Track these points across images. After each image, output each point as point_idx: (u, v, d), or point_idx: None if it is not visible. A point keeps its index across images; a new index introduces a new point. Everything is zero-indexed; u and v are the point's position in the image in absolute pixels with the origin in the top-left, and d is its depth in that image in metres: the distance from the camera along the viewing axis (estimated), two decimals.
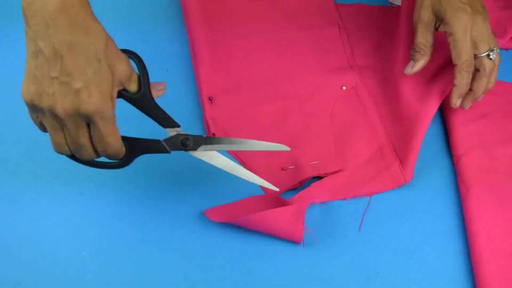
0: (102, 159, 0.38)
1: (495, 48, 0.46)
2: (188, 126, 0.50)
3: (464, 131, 0.50)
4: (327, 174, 0.47)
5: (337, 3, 0.61)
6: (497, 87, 0.57)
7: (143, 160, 0.47)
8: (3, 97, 0.51)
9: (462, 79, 0.46)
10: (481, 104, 0.54)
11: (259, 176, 0.46)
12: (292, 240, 0.42)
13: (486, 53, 0.46)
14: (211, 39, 0.55)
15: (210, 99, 0.51)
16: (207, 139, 0.40)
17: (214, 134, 0.49)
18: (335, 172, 0.48)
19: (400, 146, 0.49)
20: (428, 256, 0.43)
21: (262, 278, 0.41)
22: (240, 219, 0.42)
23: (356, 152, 0.49)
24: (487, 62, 0.46)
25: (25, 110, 0.50)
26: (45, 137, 0.48)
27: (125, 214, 0.44)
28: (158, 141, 0.40)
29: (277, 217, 0.42)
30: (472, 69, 0.46)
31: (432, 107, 0.49)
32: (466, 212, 0.44)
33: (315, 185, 0.46)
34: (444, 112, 0.54)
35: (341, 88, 0.54)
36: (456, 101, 0.47)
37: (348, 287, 0.41)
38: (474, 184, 0.46)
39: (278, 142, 0.48)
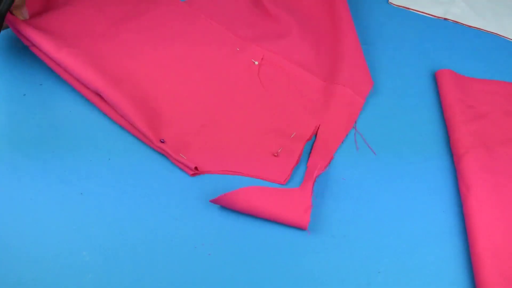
0: None
1: None
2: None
3: (464, 131, 0.50)
4: (310, 136, 0.50)
5: None
6: (497, 87, 0.58)
7: (143, 161, 0.48)
8: (3, 97, 0.51)
9: None
10: (481, 104, 0.54)
11: (260, 170, 0.47)
12: (298, 225, 0.43)
13: None
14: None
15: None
16: None
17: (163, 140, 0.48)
18: (317, 128, 0.51)
19: (343, 76, 0.55)
20: (428, 256, 0.43)
21: (262, 277, 0.41)
22: (245, 203, 0.43)
23: (311, 104, 0.54)
24: None
25: (25, 110, 0.50)
26: (46, 137, 0.49)
27: (125, 214, 0.44)
28: None
29: (283, 200, 0.43)
30: None
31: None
32: (466, 212, 0.45)
33: (310, 163, 0.48)
34: (444, 112, 0.54)
35: (254, 63, 0.56)
36: None
37: (348, 287, 0.41)
38: (475, 184, 0.46)
39: (240, 135, 0.50)
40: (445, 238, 0.44)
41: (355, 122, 0.53)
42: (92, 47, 0.53)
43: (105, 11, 0.58)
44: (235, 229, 0.43)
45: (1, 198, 0.44)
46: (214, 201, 0.44)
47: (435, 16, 0.69)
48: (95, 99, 0.50)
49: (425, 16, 0.69)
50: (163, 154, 0.48)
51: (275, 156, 0.48)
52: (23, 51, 0.54)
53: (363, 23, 0.66)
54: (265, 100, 0.53)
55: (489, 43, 0.66)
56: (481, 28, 0.68)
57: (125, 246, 0.42)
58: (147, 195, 0.45)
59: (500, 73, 0.60)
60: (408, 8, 0.70)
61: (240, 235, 0.43)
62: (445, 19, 0.69)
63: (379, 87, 0.58)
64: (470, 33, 0.67)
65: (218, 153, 0.49)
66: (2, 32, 0.55)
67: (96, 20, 0.57)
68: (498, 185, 0.46)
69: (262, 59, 0.57)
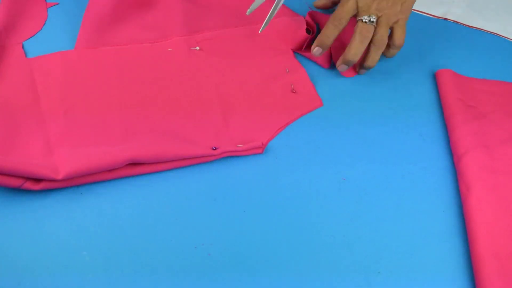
0: None
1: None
2: None
3: (464, 131, 0.50)
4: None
5: None
6: (497, 87, 0.58)
7: None
8: None
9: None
10: (481, 104, 0.54)
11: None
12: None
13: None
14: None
15: None
16: None
17: None
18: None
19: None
20: (428, 256, 0.43)
21: (262, 278, 0.41)
22: None
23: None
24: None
25: None
26: None
27: (125, 214, 0.44)
28: None
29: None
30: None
31: None
32: (466, 212, 0.45)
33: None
34: (444, 112, 0.54)
35: (195, 48, 0.58)
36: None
37: (348, 287, 0.41)
38: (475, 184, 0.46)
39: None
40: (445, 238, 0.44)
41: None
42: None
43: None
44: (235, 229, 0.43)
45: (1, 198, 0.44)
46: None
47: (435, 16, 0.69)
48: (120, 172, 0.46)
49: (425, 16, 0.69)
50: (225, 156, 0.48)
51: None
52: None
53: None
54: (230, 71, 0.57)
55: (489, 43, 0.66)
56: (481, 28, 0.68)
57: (125, 246, 0.42)
58: (147, 194, 0.45)
59: (500, 73, 0.60)
60: None
61: (240, 235, 0.43)
62: (445, 19, 0.69)
63: (379, 87, 0.58)
64: (470, 33, 0.67)
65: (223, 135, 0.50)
66: None
67: None
68: (498, 185, 0.46)
69: (197, 42, 0.59)
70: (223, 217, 0.44)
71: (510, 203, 0.45)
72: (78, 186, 0.45)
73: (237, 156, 0.49)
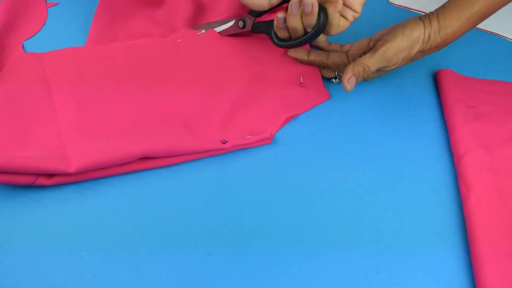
0: None
1: None
2: None
3: (464, 131, 0.50)
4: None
5: None
6: (497, 87, 0.58)
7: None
8: None
9: None
10: (481, 104, 0.54)
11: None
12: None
13: None
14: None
15: None
16: None
17: None
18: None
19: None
20: (428, 256, 0.43)
21: (262, 278, 0.41)
22: None
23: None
24: None
25: None
26: None
27: (125, 214, 0.44)
28: None
29: None
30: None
31: None
32: (466, 212, 0.44)
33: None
34: (444, 112, 0.54)
35: (201, 32, 0.59)
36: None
37: (348, 287, 0.41)
38: (475, 184, 0.46)
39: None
40: (445, 238, 0.44)
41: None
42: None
43: None
44: (235, 229, 0.43)
45: (1, 198, 0.44)
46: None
47: None
48: (130, 167, 0.46)
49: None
50: (229, 152, 0.49)
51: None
52: None
53: (363, 22, 0.66)
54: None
55: (489, 43, 0.66)
56: (481, 28, 0.68)
57: (125, 246, 0.42)
58: (146, 194, 0.45)
59: (500, 73, 0.60)
60: (409, 8, 0.70)
61: (240, 235, 0.43)
62: None
63: (379, 87, 0.58)
64: (470, 33, 0.67)
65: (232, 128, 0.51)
66: None
67: None
68: (499, 185, 0.46)
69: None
70: (223, 217, 0.44)
71: (510, 203, 0.45)
72: (78, 186, 0.45)
73: (238, 156, 0.49)
